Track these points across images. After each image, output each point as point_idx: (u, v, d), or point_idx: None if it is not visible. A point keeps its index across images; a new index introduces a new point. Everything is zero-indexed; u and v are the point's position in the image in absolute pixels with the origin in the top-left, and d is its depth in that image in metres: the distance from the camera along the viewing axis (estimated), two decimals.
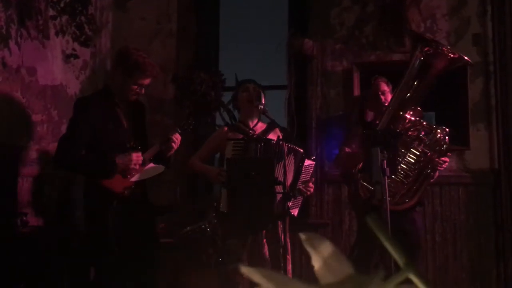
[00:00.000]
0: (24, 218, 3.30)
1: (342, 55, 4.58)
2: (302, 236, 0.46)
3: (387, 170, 2.66)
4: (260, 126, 3.31)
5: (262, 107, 3.12)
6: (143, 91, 3.04)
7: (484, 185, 4.24)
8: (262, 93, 3.17)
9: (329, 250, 0.45)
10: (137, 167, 2.91)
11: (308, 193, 3.14)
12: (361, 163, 3.22)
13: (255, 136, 3.19)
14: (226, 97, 4.55)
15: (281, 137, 3.06)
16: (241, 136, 3.19)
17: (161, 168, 3.02)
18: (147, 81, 3.00)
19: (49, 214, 3.77)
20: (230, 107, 4.35)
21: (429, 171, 3.22)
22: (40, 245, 3.33)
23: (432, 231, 4.26)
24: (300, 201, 3.15)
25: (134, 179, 2.91)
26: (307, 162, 3.11)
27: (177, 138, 3.02)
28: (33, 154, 3.66)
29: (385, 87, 3.49)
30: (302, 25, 4.72)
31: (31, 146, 3.67)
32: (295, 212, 3.09)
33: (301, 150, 3.07)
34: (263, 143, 3.01)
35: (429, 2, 4.45)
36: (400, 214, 3.07)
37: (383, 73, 3.64)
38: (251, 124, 3.30)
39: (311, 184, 3.14)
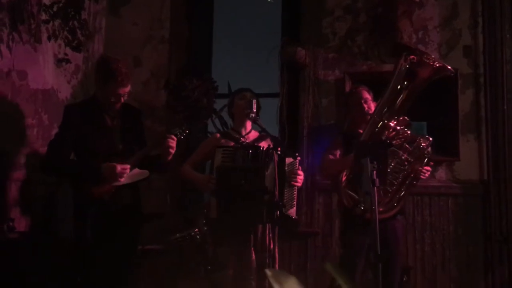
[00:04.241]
0: (11, 224, 3.28)
1: (334, 64, 4.59)
2: (268, 272, 0.46)
3: (377, 180, 2.66)
4: (253, 135, 3.32)
5: (253, 115, 3.13)
6: (122, 99, 3.02)
7: (473, 196, 4.26)
8: (255, 102, 3.16)
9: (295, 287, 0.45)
10: (122, 178, 2.91)
11: (297, 183, 3.09)
12: (346, 171, 3.23)
13: (245, 143, 3.19)
14: (218, 104, 4.55)
15: (271, 146, 3.06)
16: (232, 143, 3.19)
17: (146, 173, 3.02)
18: (122, 90, 2.96)
19: (37, 219, 3.74)
20: (223, 114, 4.36)
21: (412, 180, 3.25)
22: (26, 251, 3.30)
23: (421, 241, 4.28)
24: (295, 199, 3.11)
25: (116, 183, 2.92)
26: (288, 160, 3.07)
27: (172, 141, 3.00)
28: (22, 158, 3.64)
29: (367, 95, 3.50)
30: (294, 33, 4.74)
31: (21, 150, 3.65)
32: (292, 212, 3.06)
33: (279, 152, 3.02)
34: (251, 151, 3.01)
35: (421, 14, 4.48)
36: (381, 222, 3.08)
37: (374, 83, 3.65)
38: (244, 132, 3.30)
39: (299, 176, 3.08)
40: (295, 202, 3.11)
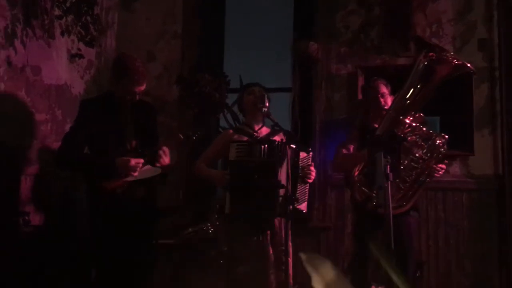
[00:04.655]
0: (26, 218, 3.31)
1: (347, 58, 4.56)
2: (303, 256, 0.45)
3: (391, 175, 2.65)
4: (265, 130, 3.31)
5: (265, 109, 3.12)
6: (137, 97, 3.03)
7: (488, 191, 4.22)
8: (266, 96, 3.16)
9: (331, 273, 0.45)
10: (136, 172, 2.93)
11: (310, 180, 3.10)
12: (358, 165, 3.21)
13: (259, 138, 3.19)
14: (231, 99, 4.55)
15: (284, 140, 3.05)
16: (246, 138, 3.19)
17: (158, 170, 3.03)
18: (137, 88, 2.98)
19: (52, 213, 3.77)
20: (235, 109, 4.36)
21: (425, 177, 3.23)
22: (42, 245, 3.33)
23: (435, 237, 4.24)
24: (306, 194, 3.12)
25: (128, 179, 2.93)
26: (303, 155, 3.09)
27: (164, 151, 3.01)
28: (36, 153, 3.67)
29: (384, 89, 3.47)
30: (307, 28, 4.71)
31: (35, 145, 3.67)
32: (303, 207, 3.06)
33: (294, 146, 3.02)
34: (266, 145, 3.01)
35: (435, 7, 4.43)
36: (394, 217, 3.06)
37: (387, 77, 3.62)
38: (256, 127, 3.30)
39: (312, 172, 3.09)
40: (306, 197, 3.11)
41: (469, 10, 4.40)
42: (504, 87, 4.26)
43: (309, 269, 0.45)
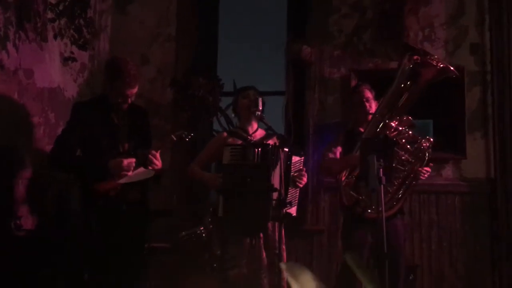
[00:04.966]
0: (18, 222, 3.29)
1: (340, 61, 4.58)
2: (283, 266, 0.46)
3: (383, 178, 2.66)
4: (259, 133, 3.32)
5: (259, 113, 3.13)
6: (129, 100, 3.03)
7: (480, 194, 4.25)
8: (260, 100, 3.17)
9: (311, 283, 0.45)
10: (129, 172, 2.93)
11: (301, 185, 3.13)
12: (345, 170, 3.24)
13: (253, 141, 3.20)
14: (224, 102, 4.56)
15: (277, 144, 3.06)
16: (240, 142, 3.20)
17: (151, 172, 3.02)
18: (129, 91, 2.98)
19: (46, 216, 3.75)
20: (228, 112, 4.36)
21: (411, 180, 3.26)
22: (34, 248, 3.31)
23: (428, 240, 4.26)
24: (297, 198, 3.14)
25: (122, 181, 2.93)
26: (295, 158, 3.12)
27: (154, 155, 3.00)
28: (30, 156, 3.66)
29: (368, 94, 3.52)
30: (300, 31, 4.73)
31: (28, 148, 3.66)
32: (293, 211, 3.08)
33: (287, 149, 3.05)
34: (260, 148, 3.02)
35: (427, 11, 4.46)
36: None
37: (380, 81, 3.64)
38: (250, 131, 3.31)
39: (303, 177, 3.12)
40: (296, 201, 3.13)
41: (461, 15, 4.44)
42: (496, 91, 4.29)
43: (289, 278, 0.46)
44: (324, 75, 4.59)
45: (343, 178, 3.27)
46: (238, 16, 5.43)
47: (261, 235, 3.04)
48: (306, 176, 3.17)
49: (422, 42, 4.39)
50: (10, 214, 3.36)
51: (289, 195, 3.02)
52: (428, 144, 3.22)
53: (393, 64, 4.39)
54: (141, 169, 3.02)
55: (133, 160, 2.95)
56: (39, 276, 3.29)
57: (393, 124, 3.20)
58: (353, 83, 4.49)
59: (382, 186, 2.66)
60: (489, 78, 4.34)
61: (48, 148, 3.56)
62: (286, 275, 0.47)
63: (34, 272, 3.24)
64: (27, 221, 3.52)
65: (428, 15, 4.46)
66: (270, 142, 3.18)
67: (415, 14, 4.43)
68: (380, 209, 2.64)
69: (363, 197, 3.21)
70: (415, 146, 3.23)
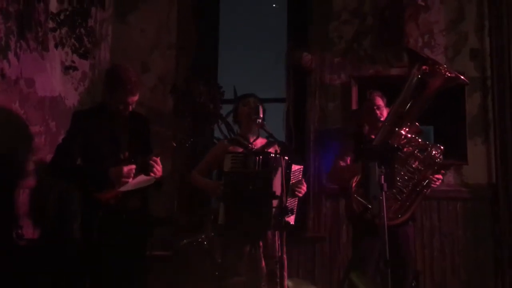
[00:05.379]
0: (20, 231, 3.29)
1: (340, 68, 4.59)
2: (290, 283, 0.46)
3: (385, 185, 2.65)
4: (260, 141, 3.33)
5: (260, 121, 3.14)
6: (130, 107, 3.04)
7: (482, 200, 4.24)
8: (261, 108, 3.17)
9: None
10: (129, 179, 2.93)
11: (300, 194, 3.13)
12: (356, 177, 3.23)
13: (254, 149, 3.20)
14: (225, 109, 4.56)
15: (278, 151, 3.06)
16: (240, 149, 3.20)
17: (151, 179, 3.02)
18: (130, 98, 2.99)
19: (47, 226, 3.75)
20: (229, 120, 4.37)
21: (422, 187, 3.24)
22: (35, 258, 3.31)
23: (430, 246, 4.25)
24: (295, 207, 3.13)
25: (123, 189, 2.93)
26: (295, 167, 3.12)
27: (155, 161, 3.00)
28: (30, 166, 3.65)
29: (380, 102, 3.52)
30: (301, 38, 4.74)
31: (29, 157, 3.66)
32: (291, 220, 3.08)
33: (286, 158, 3.05)
34: (261, 156, 3.02)
35: (427, 17, 4.47)
36: (393, 228, 3.07)
37: (381, 87, 3.65)
38: (251, 139, 3.31)
39: (303, 186, 3.13)
40: (295, 210, 3.13)
41: (460, 20, 4.45)
42: (496, 96, 4.30)
43: None
44: (324, 82, 4.60)
45: (353, 185, 3.26)
46: (238, 23, 5.45)
47: (261, 243, 3.03)
48: (305, 185, 3.17)
49: (422, 49, 4.40)
50: (11, 224, 3.35)
51: (288, 204, 3.01)
52: (438, 152, 3.21)
53: (394, 71, 4.42)
54: (142, 176, 3.02)
55: (133, 166, 2.94)
56: (41, 285, 3.29)
57: (402, 132, 3.20)
58: (354, 89, 4.50)
59: (384, 193, 2.65)
60: (489, 84, 4.34)
61: (49, 157, 3.57)
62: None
63: (35, 281, 3.24)
64: (28, 231, 3.52)
65: (427, 21, 4.48)
66: (271, 149, 3.18)
67: (415, 20, 4.45)
68: (382, 215, 2.63)
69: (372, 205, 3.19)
70: (425, 153, 3.23)
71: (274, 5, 5.37)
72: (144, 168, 3.00)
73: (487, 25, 4.39)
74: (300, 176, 3.18)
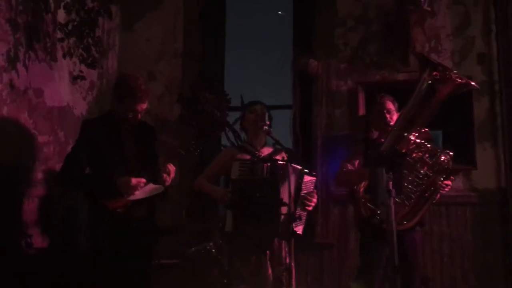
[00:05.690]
0: (29, 240, 3.31)
1: (347, 74, 4.59)
2: None
3: (393, 191, 2.64)
4: (267, 149, 3.32)
5: (266, 128, 3.14)
6: (139, 115, 3.06)
7: (491, 205, 4.21)
8: (268, 115, 3.18)
9: None
10: (137, 191, 2.94)
11: (310, 208, 3.12)
12: (364, 181, 3.22)
13: (261, 157, 3.20)
14: (232, 117, 4.57)
15: (285, 159, 3.06)
16: (248, 156, 3.20)
17: (160, 188, 3.03)
18: (140, 106, 3.02)
19: (55, 235, 3.77)
20: (236, 127, 4.37)
21: (431, 193, 3.22)
22: (44, 266, 3.32)
23: (439, 252, 4.22)
24: (304, 218, 3.13)
25: (131, 198, 2.94)
26: (307, 178, 3.11)
27: (170, 168, 3.02)
28: (39, 175, 3.68)
29: (390, 106, 3.49)
30: (307, 44, 4.75)
31: (38, 167, 3.69)
32: (299, 229, 3.07)
33: (299, 167, 3.05)
34: (269, 163, 3.02)
35: (433, 23, 4.47)
36: (400, 233, 3.05)
37: (388, 93, 3.64)
38: (258, 146, 3.31)
39: (313, 198, 3.12)
40: (304, 220, 3.12)
41: (467, 25, 4.44)
42: (505, 100, 4.28)
43: None
44: (331, 88, 4.60)
45: (361, 190, 3.25)
46: (244, 31, 5.48)
47: (267, 251, 3.02)
48: (316, 198, 3.16)
49: (429, 54, 4.39)
50: (20, 233, 3.37)
51: (297, 214, 3.01)
52: (447, 158, 3.19)
53: (400, 76, 4.41)
54: (151, 185, 3.03)
55: (143, 180, 2.95)
56: None
57: (412, 137, 3.18)
58: (361, 95, 4.50)
59: (392, 198, 2.64)
60: (497, 88, 4.32)
61: (58, 166, 3.59)
62: None
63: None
64: (37, 239, 3.54)
65: (434, 27, 4.47)
66: (278, 157, 3.18)
67: (421, 25, 4.44)
68: (391, 221, 2.62)
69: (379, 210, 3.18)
70: (434, 159, 3.21)
71: (280, 12, 5.40)
72: (155, 178, 3.01)
73: (494, 29, 4.38)
74: (312, 187, 3.17)
